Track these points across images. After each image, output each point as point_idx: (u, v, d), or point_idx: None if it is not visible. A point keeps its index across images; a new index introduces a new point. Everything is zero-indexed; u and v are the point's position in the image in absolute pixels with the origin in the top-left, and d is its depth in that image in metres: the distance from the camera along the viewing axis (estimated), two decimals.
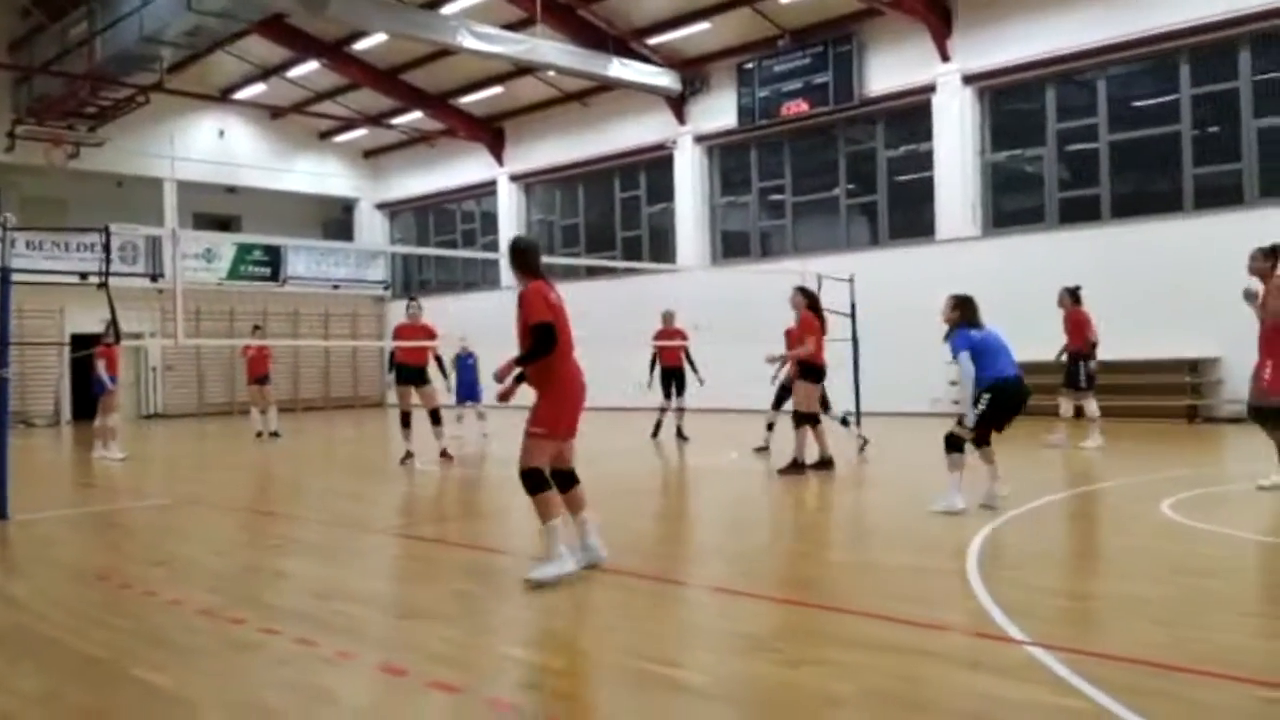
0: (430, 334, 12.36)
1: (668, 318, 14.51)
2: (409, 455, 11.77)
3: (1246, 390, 15.12)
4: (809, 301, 10.39)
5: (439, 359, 13.05)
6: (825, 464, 10.12)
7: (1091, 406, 11.96)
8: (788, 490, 9.40)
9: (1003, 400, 7.40)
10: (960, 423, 7.53)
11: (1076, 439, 11.96)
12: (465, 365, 15.66)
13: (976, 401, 7.39)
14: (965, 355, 7.42)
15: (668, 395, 14.27)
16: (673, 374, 14.29)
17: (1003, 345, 7.59)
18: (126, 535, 7.98)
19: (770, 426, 12.41)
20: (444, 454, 11.87)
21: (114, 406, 14.01)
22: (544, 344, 5.51)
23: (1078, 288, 12.21)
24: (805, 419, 10.14)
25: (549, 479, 5.57)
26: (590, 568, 5.71)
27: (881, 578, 5.81)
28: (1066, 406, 12.30)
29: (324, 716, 3.74)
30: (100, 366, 13.74)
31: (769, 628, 4.71)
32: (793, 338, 10.88)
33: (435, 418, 11.98)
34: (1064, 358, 12.17)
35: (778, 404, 12.21)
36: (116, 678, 4.13)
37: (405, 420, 12.08)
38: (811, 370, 10.23)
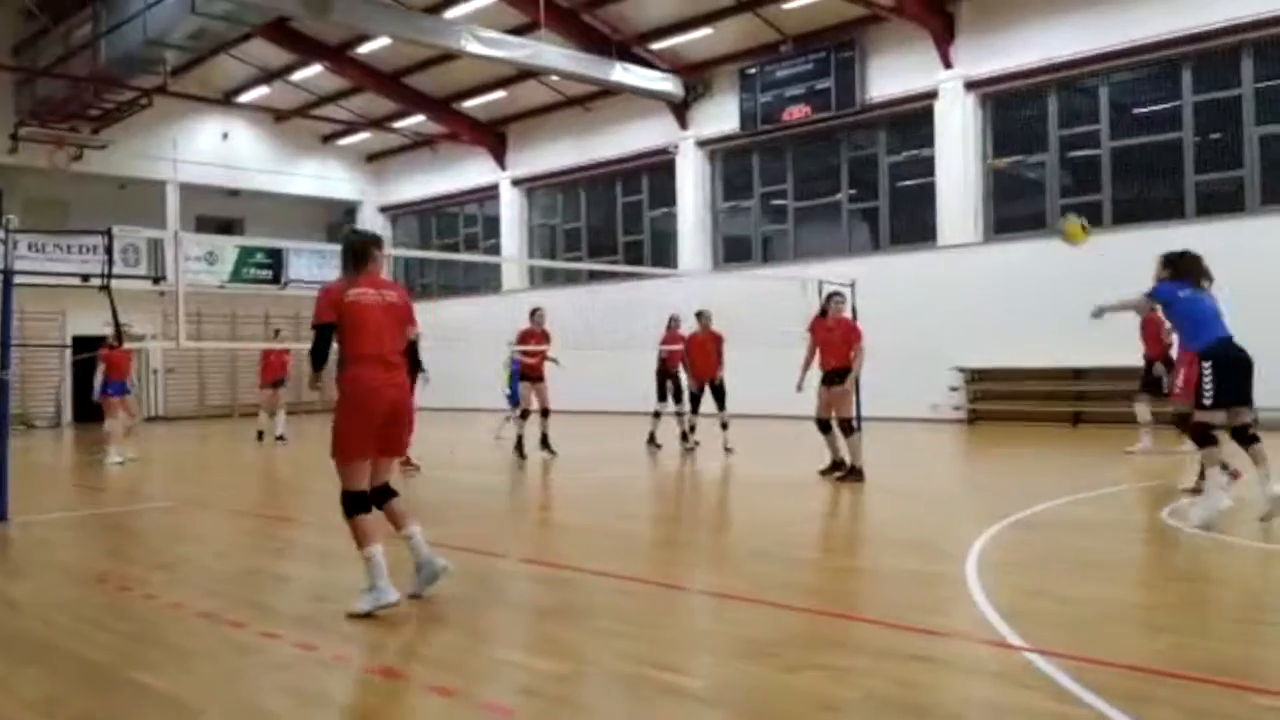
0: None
1: (673, 322, 14.53)
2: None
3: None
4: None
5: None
6: (850, 471, 10.08)
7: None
8: (787, 495, 9.41)
9: (1225, 366, 6.73)
10: (1199, 404, 6.77)
11: (1162, 443, 11.95)
12: None
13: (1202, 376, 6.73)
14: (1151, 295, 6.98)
15: (663, 398, 14.28)
16: (674, 378, 14.27)
17: (1216, 310, 7.02)
18: (127, 538, 7.99)
19: (693, 428, 13.42)
20: (406, 462, 11.31)
21: (115, 410, 13.93)
22: (314, 350, 5.02)
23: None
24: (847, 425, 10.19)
25: (366, 502, 5.08)
26: (434, 581, 5.24)
27: (882, 583, 5.81)
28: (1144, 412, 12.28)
29: None
30: (99, 371, 13.71)
31: (768, 633, 4.71)
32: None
33: None
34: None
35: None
36: (116, 681, 4.14)
37: None
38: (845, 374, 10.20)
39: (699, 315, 13.63)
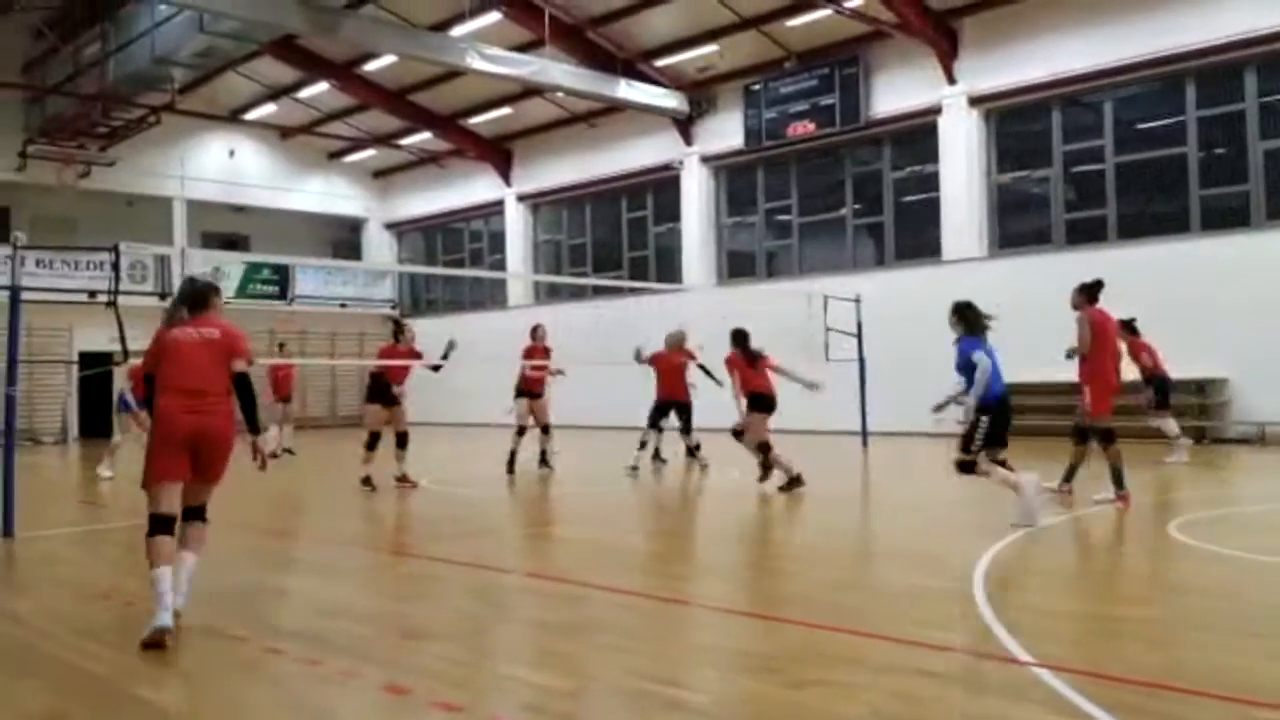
0: (416, 355, 12.09)
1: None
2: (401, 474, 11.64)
3: (1251, 411, 15.14)
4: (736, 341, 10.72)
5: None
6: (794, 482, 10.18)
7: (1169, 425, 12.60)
8: (790, 510, 9.38)
9: (1003, 416, 7.79)
10: (966, 448, 7.76)
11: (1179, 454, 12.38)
12: None
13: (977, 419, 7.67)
14: (981, 354, 7.69)
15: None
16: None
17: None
18: (130, 553, 7.95)
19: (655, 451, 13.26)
20: (403, 479, 11.47)
21: (129, 426, 13.91)
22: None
23: (1133, 319, 12.58)
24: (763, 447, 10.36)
25: (164, 523, 5.09)
26: (160, 620, 4.80)
27: (885, 598, 5.79)
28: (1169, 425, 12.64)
29: None
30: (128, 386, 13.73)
31: (772, 648, 4.70)
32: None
33: (401, 441, 11.61)
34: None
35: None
36: (118, 696, 4.13)
37: (373, 442, 11.63)
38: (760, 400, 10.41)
39: (667, 336, 13.34)
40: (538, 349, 13.10)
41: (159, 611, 4.81)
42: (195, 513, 5.33)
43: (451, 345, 11.74)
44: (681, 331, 13.35)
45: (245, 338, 5.63)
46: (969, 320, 7.98)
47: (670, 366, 12.92)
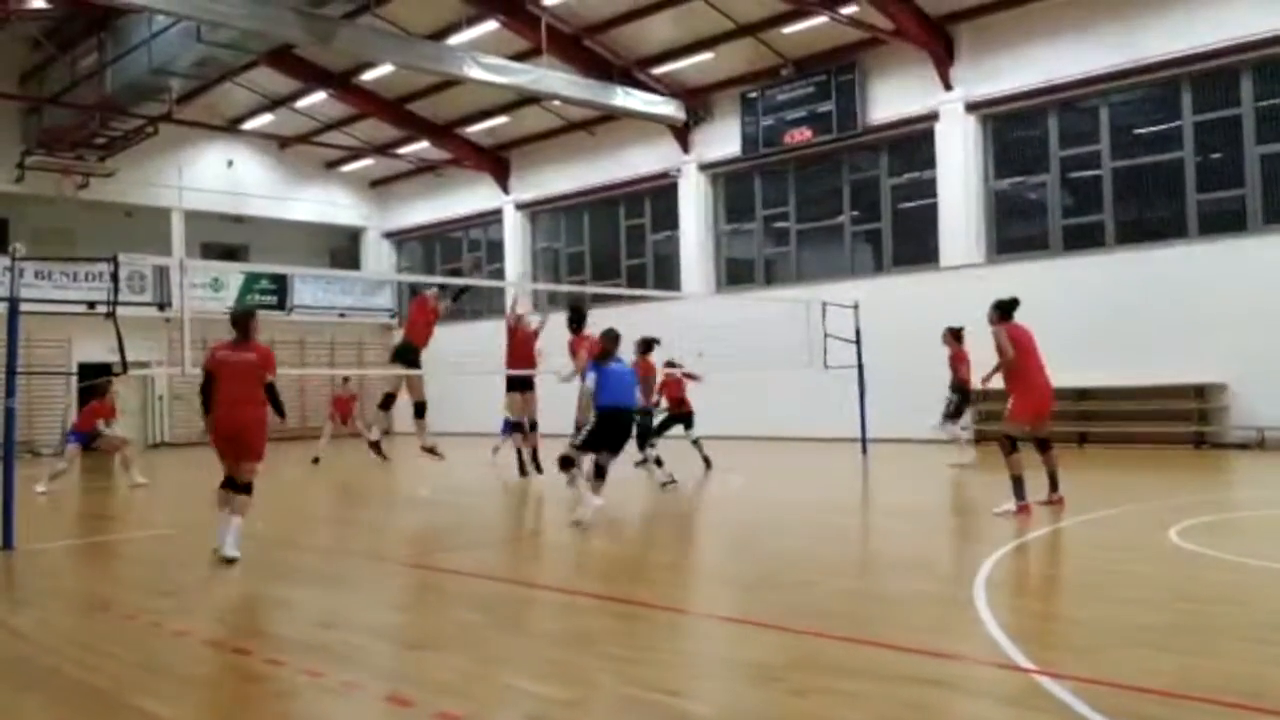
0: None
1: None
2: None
3: (1250, 416, 15.18)
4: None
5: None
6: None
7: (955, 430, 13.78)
8: (793, 518, 9.38)
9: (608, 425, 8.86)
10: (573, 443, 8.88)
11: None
12: None
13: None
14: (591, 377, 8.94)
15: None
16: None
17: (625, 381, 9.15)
18: (132, 565, 7.98)
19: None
20: (431, 450, 11.67)
21: (117, 444, 13.95)
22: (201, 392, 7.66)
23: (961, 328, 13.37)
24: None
25: (228, 484, 7.55)
26: (221, 554, 7.35)
27: (889, 605, 5.79)
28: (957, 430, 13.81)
29: None
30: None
31: (776, 657, 4.69)
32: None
33: (419, 410, 11.62)
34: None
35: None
36: (120, 708, 4.12)
37: (387, 402, 11.86)
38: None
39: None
40: (523, 332, 12.77)
41: (225, 545, 7.37)
42: (241, 488, 7.54)
43: (472, 266, 11.77)
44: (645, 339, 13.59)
45: (273, 358, 7.82)
46: (606, 349, 9.26)
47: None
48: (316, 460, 16.72)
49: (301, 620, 5.82)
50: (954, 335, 13.47)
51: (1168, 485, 11.27)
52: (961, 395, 13.48)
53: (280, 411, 7.69)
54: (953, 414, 13.56)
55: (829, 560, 7.43)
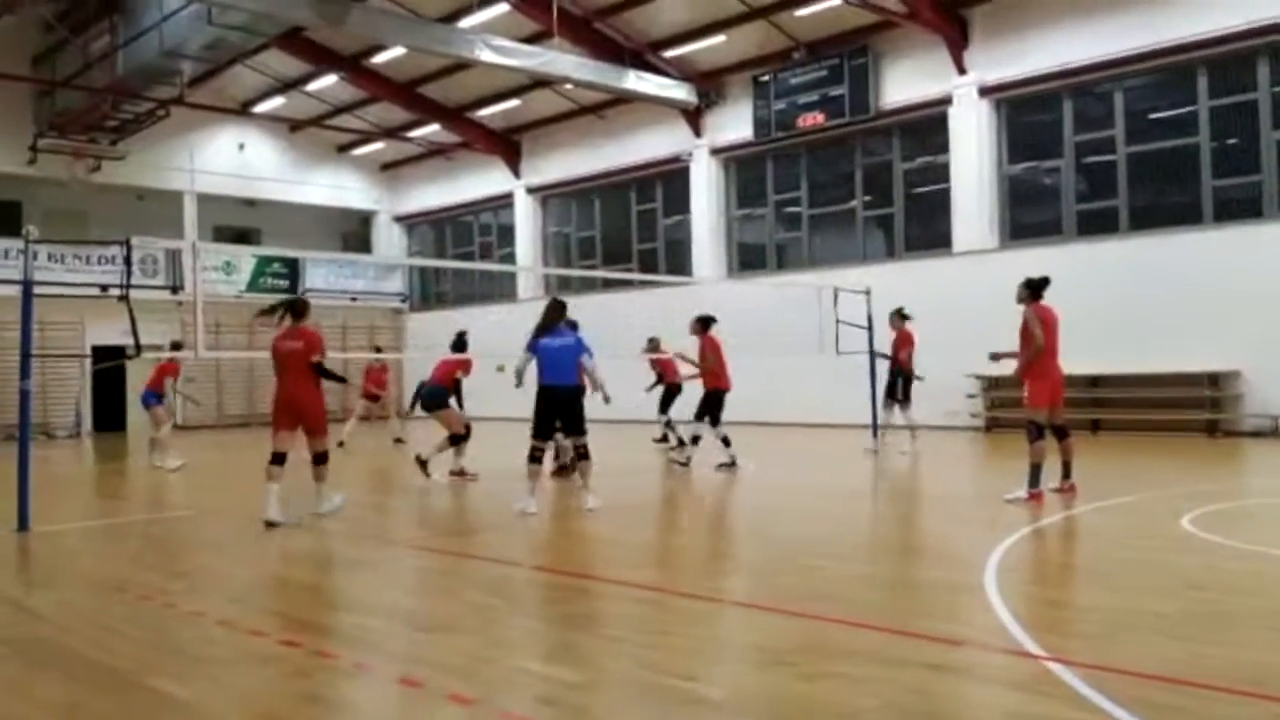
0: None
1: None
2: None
3: (1264, 403, 15.09)
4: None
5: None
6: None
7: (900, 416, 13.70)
8: (802, 503, 9.39)
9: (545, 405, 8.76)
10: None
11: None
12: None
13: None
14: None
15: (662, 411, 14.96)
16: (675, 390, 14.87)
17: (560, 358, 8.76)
18: (147, 546, 8.04)
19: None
20: (461, 473, 11.72)
21: (163, 418, 14.37)
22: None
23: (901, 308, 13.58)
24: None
25: (277, 458, 8.42)
26: (320, 512, 8.65)
27: (900, 591, 5.80)
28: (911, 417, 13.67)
29: None
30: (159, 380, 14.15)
31: (786, 642, 4.70)
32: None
33: (453, 440, 11.65)
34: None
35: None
36: (136, 687, 4.16)
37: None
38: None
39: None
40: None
41: (267, 510, 8.16)
42: (317, 458, 8.60)
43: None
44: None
45: (319, 341, 8.57)
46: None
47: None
48: (341, 444, 16.64)
49: (315, 602, 5.86)
50: (900, 316, 13.51)
51: (1181, 473, 11.24)
52: (904, 379, 13.42)
53: (339, 380, 8.84)
54: (901, 399, 13.50)
55: (839, 545, 7.43)
